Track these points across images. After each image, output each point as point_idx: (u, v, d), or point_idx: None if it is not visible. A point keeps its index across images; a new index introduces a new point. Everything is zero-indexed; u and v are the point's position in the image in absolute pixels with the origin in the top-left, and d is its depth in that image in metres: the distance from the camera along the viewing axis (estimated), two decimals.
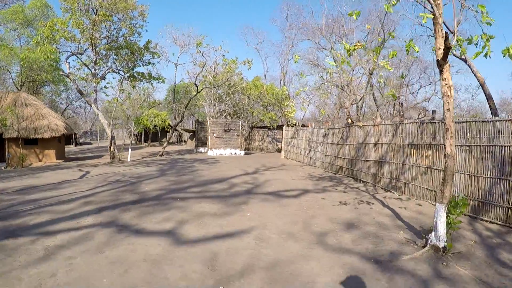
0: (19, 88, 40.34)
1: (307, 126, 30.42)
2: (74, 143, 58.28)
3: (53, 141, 29.48)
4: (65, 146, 56.74)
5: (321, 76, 19.71)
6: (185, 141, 56.63)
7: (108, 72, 30.40)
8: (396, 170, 14.43)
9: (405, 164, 13.86)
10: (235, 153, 34.47)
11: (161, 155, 33.51)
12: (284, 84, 35.88)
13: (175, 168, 21.65)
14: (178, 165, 24.10)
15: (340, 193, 14.11)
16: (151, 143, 55.17)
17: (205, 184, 15.41)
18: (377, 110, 28.92)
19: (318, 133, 23.79)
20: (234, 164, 24.64)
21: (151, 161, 28.42)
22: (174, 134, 61.43)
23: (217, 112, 41.68)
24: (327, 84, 18.79)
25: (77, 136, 63.64)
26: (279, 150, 40.64)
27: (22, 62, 36.70)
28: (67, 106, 56.90)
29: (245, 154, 35.44)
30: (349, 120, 18.71)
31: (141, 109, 52.09)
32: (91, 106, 30.19)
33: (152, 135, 56.33)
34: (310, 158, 25.11)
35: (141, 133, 58.88)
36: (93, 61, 28.36)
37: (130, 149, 30.33)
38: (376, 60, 17.86)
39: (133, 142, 63.82)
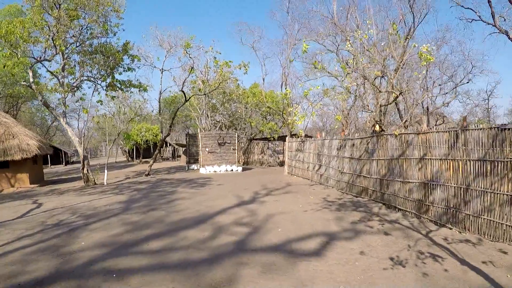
0: None
1: (311, 137, 25.14)
2: (64, 163, 53.48)
3: (26, 163, 25.30)
4: (54, 166, 52.70)
5: (345, 63, 14.33)
6: (179, 157, 51.47)
7: (82, 82, 25.36)
8: (456, 197, 9.48)
9: (471, 189, 8.99)
10: (232, 170, 29.16)
11: (147, 174, 28.32)
12: (286, 88, 30.69)
13: (149, 197, 16.34)
14: (157, 190, 18.83)
15: (380, 236, 9.06)
16: (143, 160, 50.06)
17: (176, 229, 10.03)
18: (402, 116, 23.48)
19: (331, 144, 18.65)
20: (228, 186, 19.39)
21: (130, 183, 23.24)
22: (167, 149, 56.37)
23: (210, 124, 36.55)
24: (346, 81, 13.65)
25: (68, 154, 58.69)
26: (281, 164, 35.54)
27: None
28: (52, 123, 51.27)
29: (243, 170, 30.08)
30: (377, 127, 13.49)
31: (132, 124, 47.51)
32: (59, 120, 25.12)
33: (144, 151, 51.31)
34: (321, 175, 19.91)
35: (133, 149, 53.88)
36: (61, 68, 23.32)
37: (106, 170, 25.03)
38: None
39: (125, 159, 59.11)
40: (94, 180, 23.68)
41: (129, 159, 55.37)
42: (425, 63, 11.46)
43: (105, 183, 23.59)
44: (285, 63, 26.27)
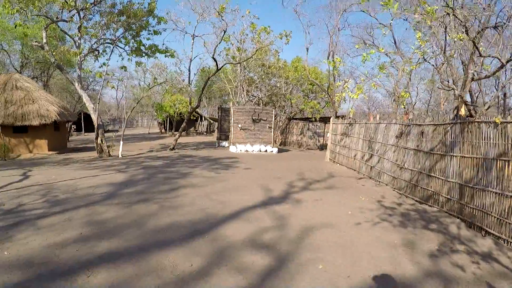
0: (20, 71, 32.67)
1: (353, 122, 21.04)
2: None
3: (46, 129, 23.47)
4: (88, 134, 50.64)
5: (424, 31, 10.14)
6: (214, 132, 48.23)
7: (102, 44, 22.14)
8: None
9: None
10: (265, 150, 25.37)
11: (172, 148, 25.12)
12: (334, 59, 26.36)
13: (152, 180, 12.74)
14: (169, 170, 15.28)
15: None
16: (175, 133, 47.04)
17: (153, 247, 6.27)
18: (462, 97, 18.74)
19: (388, 130, 14.59)
20: (256, 172, 15.60)
21: (147, 158, 20.05)
22: (202, 123, 53.15)
23: (246, 99, 32.78)
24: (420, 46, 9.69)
25: (103, 123, 56.57)
26: (321, 147, 31.49)
27: (19, 39, 29.16)
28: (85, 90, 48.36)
29: (279, 151, 26.22)
30: (462, 111, 9.39)
31: (166, 95, 44.48)
32: (73, 84, 22.12)
33: (177, 123, 48.26)
34: (371, 167, 15.92)
35: (167, 122, 50.91)
36: (78, 28, 20.12)
37: (121, 141, 21.83)
38: None
39: (158, 130, 56.37)
40: (108, 152, 20.63)
41: (163, 131, 52.57)
42: None
43: (119, 155, 20.50)
44: (333, 30, 22.19)
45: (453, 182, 9.74)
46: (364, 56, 12.08)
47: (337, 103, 22.10)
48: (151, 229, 7.16)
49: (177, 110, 42.76)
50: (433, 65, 12.19)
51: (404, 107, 14.78)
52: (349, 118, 19.19)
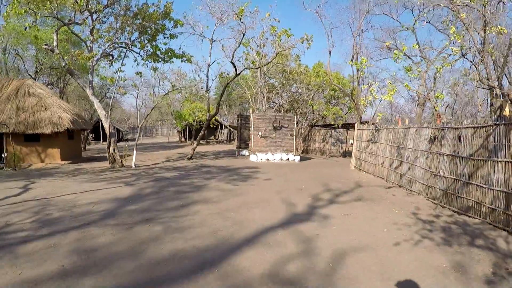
0: (34, 77, 32.02)
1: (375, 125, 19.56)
2: (117, 139, 51.02)
3: (58, 137, 22.52)
4: (105, 143, 49.91)
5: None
6: (234, 140, 47.14)
7: (116, 48, 21.31)
8: None
9: None
10: (287, 159, 24.10)
11: (189, 158, 24.12)
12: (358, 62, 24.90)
13: (161, 195, 11.55)
14: (182, 183, 14.13)
15: None
16: (194, 141, 46.25)
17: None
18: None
19: (419, 135, 13.26)
20: (277, 183, 14.32)
21: (161, 168, 19.08)
22: (222, 131, 52.17)
23: (267, 105, 31.59)
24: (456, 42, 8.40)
25: (123, 132, 56.19)
26: (344, 155, 30.15)
27: (33, 43, 28.47)
28: (101, 99, 46.74)
29: (301, 159, 24.97)
30: (506, 111, 8.07)
31: (186, 103, 43.70)
32: (84, 89, 21.33)
33: (196, 132, 47.48)
34: (401, 175, 14.56)
35: (186, 130, 50.02)
36: (90, 31, 19.35)
37: (135, 151, 20.80)
38: None
39: (177, 139, 55.52)
40: (121, 162, 19.69)
41: (182, 139, 51.71)
42: None
43: (133, 166, 19.54)
44: (357, 32, 20.90)
45: (497, 190, 8.48)
46: (396, 54, 10.93)
47: (363, 107, 20.75)
48: (149, 259, 5.92)
49: (196, 118, 41.86)
50: (471, 61, 10.83)
51: (436, 110, 13.36)
52: (376, 123, 17.89)
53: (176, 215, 8.86)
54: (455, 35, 8.85)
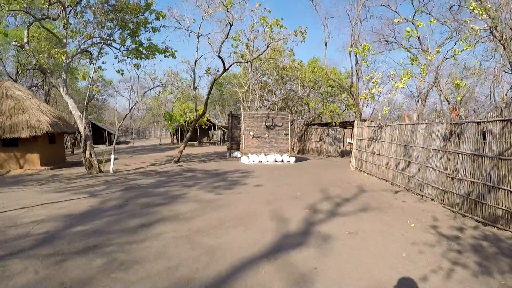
0: (15, 79, 29.88)
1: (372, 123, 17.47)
2: (108, 142, 48.87)
3: (38, 142, 20.79)
4: (97, 146, 47.70)
5: None
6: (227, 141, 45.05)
7: (94, 44, 19.31)
8: None
9: None
10: (282, 160, 22.11)
11: (176, 161, 22.13)
12: (356, 55, 22.82)
13: (128, 207, 9.57)
14: (159, 190, 12.08)
15: None
16: (187, 143, 44.29)
17: None
18: None
19: (430, 131, 11.36)
20: (268, 190, 12.26)
21: (141, 174, 16.93)
22: (216, 132, 50.04)
23: (259, 103, 29.50)
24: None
25: (113, 134, 54.04)
26: (342, 154, 28.25)
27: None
28: (89, 101, 43.45)
29: (297, 160, 22.99)
30: None
31: (177, 104, 41.81)
32: (57, 89, 19.35)
33: (188, 133, 45.60)
34: (409, 177, 12.60)
35: (178, 132, 47.81)
36: (63, 25, 17.31)
37: (113, 155, 18.68)
38: None
39: (170, 141, 53.32)
40: (98, 167, 17.69)
41: (174, 141, 49.49)
42: None
43: (111, 171, 17.53)
44: (355, 20, 19.03)
45: None
46: (408, 32, 9.05)
47: (363, 103, 18.79)
48: None
49: (188, 119, 39.78)
50: (500, 41, 8.93)
51: (452, 102, 11.46)
52: (379, 119, 15.98)
53: (130, 240, 6.78)
54: (478, 9, 6.98)
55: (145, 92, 23.17)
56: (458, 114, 10.91)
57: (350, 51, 16.37)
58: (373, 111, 37.85)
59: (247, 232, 7.32)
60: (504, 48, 9.36)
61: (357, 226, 7.75)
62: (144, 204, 10.00)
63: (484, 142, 8.57)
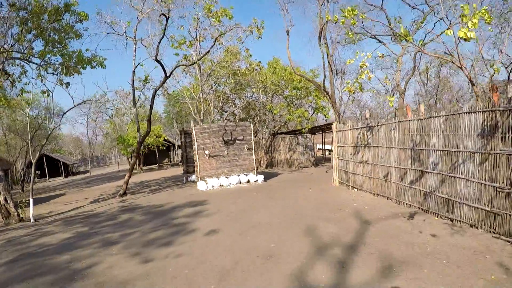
0: None
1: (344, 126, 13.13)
2: (64, 174, 43.40)
3: None
4: (53, 179, 42.20)
5: None
6: None
7: (7, 60, 14.55)
8: None
9: None
10: (247, 181, 17.69)
11: (122, 194, 17.49)
12: (326, 43, 18.73)
13: None
14: (55, 261, 7.39)
15: None
16: (145, 168, 39.43)
17: None
18: None
19: (455, 126, 7.54)
20: (226, 243, 7.80)
21: (63, 221, 11.94)
22: (177, 153, 45.20)
23: (214, 115, 25.21)
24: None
25: (72, 165, 48.53)
26: (316, 163, 24.37)
27: None
28: (36, 130, 37.62)
29: (266, 178, 18.77)
30: None
31: (129, 126, 37.30)
32: None
33: (145, 157, 40.95)
34: (426, 193, 8.68)
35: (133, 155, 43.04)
36: None
37: (31, 198, 13.68)
38: None
39: (128, 167, 48.15)
40: (18, 215, 12.92)
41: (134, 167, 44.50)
42: None
43: (31, 219, 12.81)
44: (322, 7, 15.33)
45: None
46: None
47: (351, 95, 14.90)
48: None
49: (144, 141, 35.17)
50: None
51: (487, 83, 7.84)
52: (366, 119, 12.02)
53: None
54: None
55: (68, 110, 18.01)
56: (499, 98, 6.99)
57: (320, 34, 12.63)
58: (343, 112, 34.25)
59: None
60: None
61: None
62: None
63: None
